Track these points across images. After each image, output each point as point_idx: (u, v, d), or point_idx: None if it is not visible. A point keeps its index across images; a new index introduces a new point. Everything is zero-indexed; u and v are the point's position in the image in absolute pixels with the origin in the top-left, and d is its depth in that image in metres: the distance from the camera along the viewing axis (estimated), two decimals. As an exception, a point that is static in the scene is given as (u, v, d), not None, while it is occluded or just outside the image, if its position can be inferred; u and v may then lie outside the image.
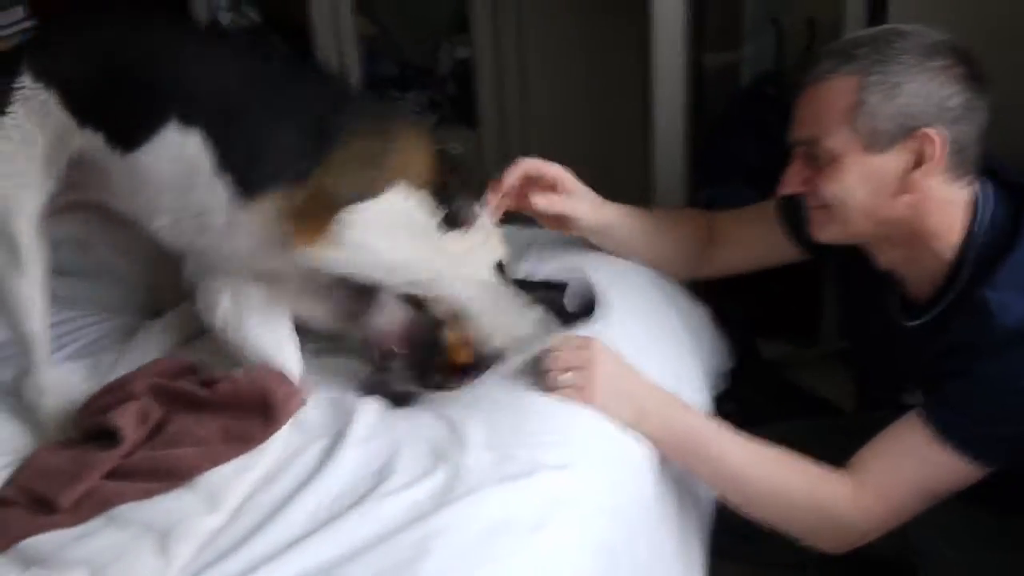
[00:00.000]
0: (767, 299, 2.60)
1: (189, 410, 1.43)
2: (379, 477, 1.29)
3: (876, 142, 1.32)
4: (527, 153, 3.14)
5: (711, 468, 1.43)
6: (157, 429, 1.41)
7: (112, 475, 1.32)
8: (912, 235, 1.38)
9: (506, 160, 3.16)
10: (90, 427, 1.42)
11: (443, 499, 1.23)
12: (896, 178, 1.33)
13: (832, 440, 1.55)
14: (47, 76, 1.50)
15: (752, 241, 1.74)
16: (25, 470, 1.36)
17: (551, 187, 1.69)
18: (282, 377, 1.46)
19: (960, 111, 1.30)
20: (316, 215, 1.42)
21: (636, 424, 1.41)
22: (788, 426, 1.75)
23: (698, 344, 1.76)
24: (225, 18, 3.40)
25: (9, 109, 1.49)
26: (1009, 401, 1.29)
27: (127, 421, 1.37)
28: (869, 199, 1.35)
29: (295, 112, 1.48)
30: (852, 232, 1.41)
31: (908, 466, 1.35)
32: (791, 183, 1.42)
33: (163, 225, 1.52)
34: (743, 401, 1.92)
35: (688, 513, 1.54)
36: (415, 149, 1.54)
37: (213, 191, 1.46)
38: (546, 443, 1.33)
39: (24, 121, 1.49)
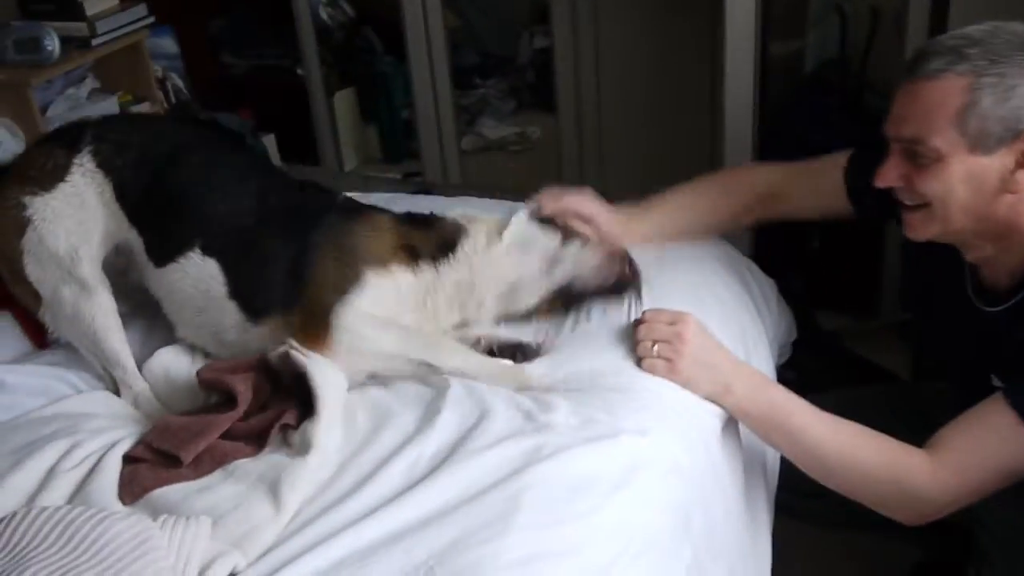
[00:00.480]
0: (828, 273, 2.60)
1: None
2: (472, 437, 1.29)
3: (983, 143, 1.26)
4: (602, 137, 3.24)
5: (792, 441, 1.40)
6: (265, 398, 1.43)
7: (228, 435, 1.35)
8: (1008, 231, 1.33)
9: (583, 144, 3.27)
10: (210, 381, 1.43)
11: (533, 457, 1.23)
12: (999, 178, 1.28)
13: (889, 406, 1.56)
14: (107, 168, 1.56)
15: (814, 201, 1.68)
16: (151, 432, 1.37)
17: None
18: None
19: None
20: (315, 328, 1.46)
21: (721, 397, 1.40)
22: (848, 393, 1.74)
23: (766, 317, 1.75)
24: (324, 13, 3.48)
25: (69, 176, 1.55)
26: None
27: (245, 387, 1.39)
28: (970, 199, 1.29)
29: (290, 240, 1.52)
30: (950, 231, 1.36)
31: (989, 446, 1.30)
32: (889, 177, 1.35)
33: (185, 335, 1.60)
34: (802, 369, 1.91)
35: (756, 477, 1.54)
36: (376, 232, 1.56)
37: (225, 312, 1.53)
38: (627, 410, 1.33)
39: (85, 191, 1.55)
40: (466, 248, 1.54)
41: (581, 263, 1.55)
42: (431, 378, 1.44)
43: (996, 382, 1.37)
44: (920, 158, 1.30)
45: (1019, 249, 1.35)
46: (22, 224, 1.55)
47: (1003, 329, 1.38)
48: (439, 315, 1.54)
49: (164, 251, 1.57)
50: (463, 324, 1.56)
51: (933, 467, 1.32)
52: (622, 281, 1.56)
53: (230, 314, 1.53)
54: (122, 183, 1.56)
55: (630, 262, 1.57)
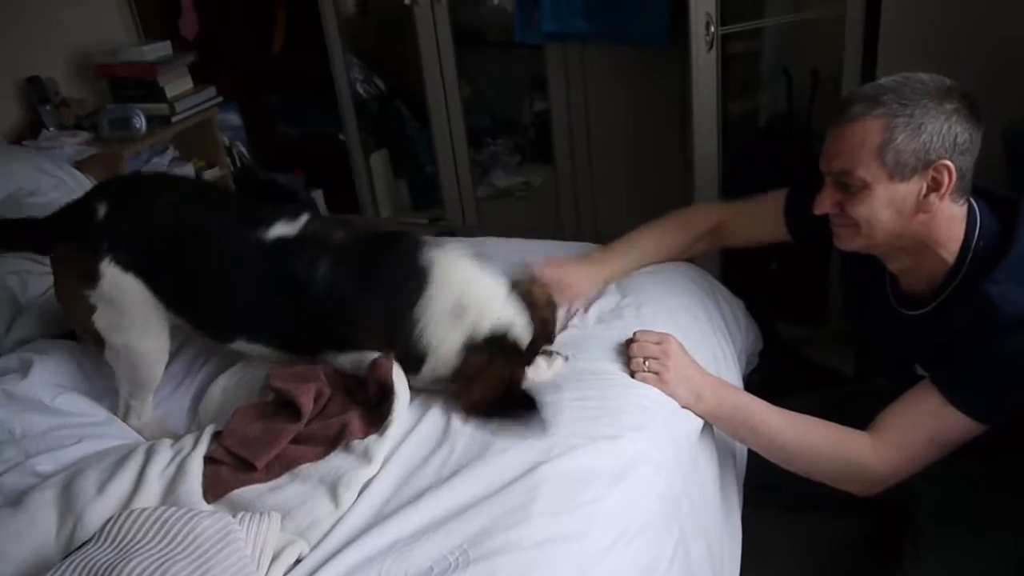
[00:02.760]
0: (785, 289, 2.60)
1: (344, 392, 1.42)
2: (492, 440, 1.28)
3: (900, 172, 1.27)
4: (594, 183, 3.25)
5: (755, 435, 1.42)
6: (325, 405, 1.40)
7: (294, 441, 1.34)
8: (922, 245, 1.35)
9: (576, 189, 3.28)
10: (278, 390, 1.39)
11: (546, 455, 1.23)
12: (915, 201, 1.29)
13: (837, 409, 1.56)
14: (132, 268, 1.41)
15: (756, 231, 1.69)
16: (228, 436, 1.35)
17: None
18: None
19: (967, 144, 1.27)
20: None
21: (694, 404, 1.41)
22: (801, 400, 1.71)
23: (735, 332, 1.74)
24: (360, 88, 3.50)
25: (103, 279, 1.41)
26: (1010, 372, 1.26)
27: (307, 399, 1.37)
28: (892, 219, 1.31)
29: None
30: (873, 244, 1.37)
31: (922, 424, 1.32)
32: (824, 205, 1.37)
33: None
34: (764, 374, 1.90)
35: (728, 466, 1.54)
36: None
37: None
38: (624, 413, 1.33)
39: (124, 284, 1.42)
40: None
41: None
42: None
43: (919, 371, 1.38)
44: (849, 188, 1.32)
45: (932, 261, 1.36)
46: (90, 307, 1.46)
47: (922, 330, 1.39)
48: None
49: (215, 335, 1.49)
50: None
51: (875, 444, 1.34)
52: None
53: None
54: (151, 279, 1.43)
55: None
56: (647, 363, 1.41)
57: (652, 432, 1.32)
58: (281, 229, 1.40)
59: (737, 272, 2.39)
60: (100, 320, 1.47)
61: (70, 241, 1.47)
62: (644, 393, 1.38)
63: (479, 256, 1.43)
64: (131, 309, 1.45)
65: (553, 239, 1.94)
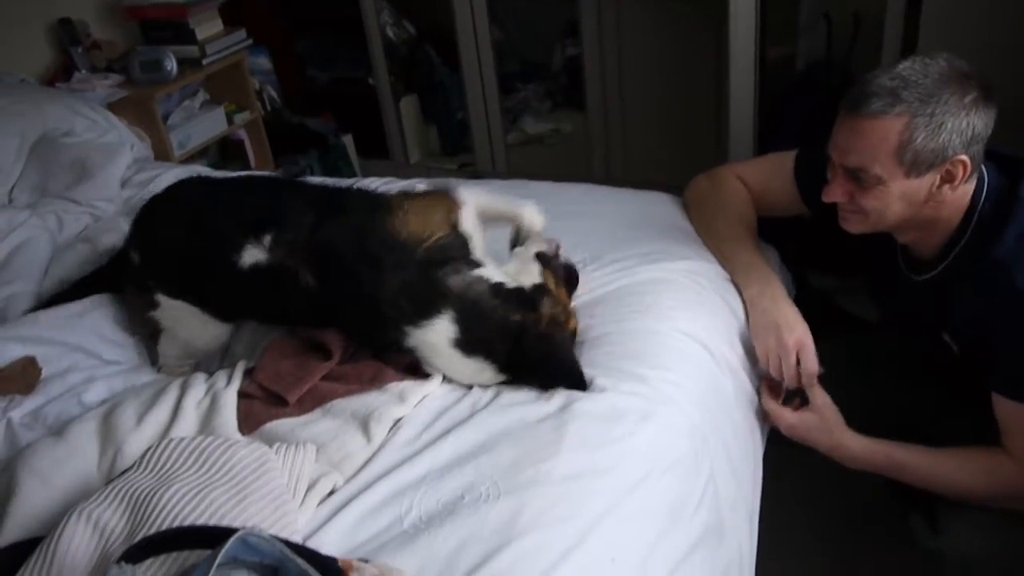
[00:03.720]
0: (817, 240, 2.60)
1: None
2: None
3: (916, 169, 1.25)
4: (625, 130, 3.22)
5: (906, 478, 1.40)
6: (353, 354, 1.42)
7: (326, 378, 1.36)
8: (930, 222, 1.33)
9: (608, 137, 3.25)
10: (305, 336, 1.43)
11: (574, 396, 1.25)
12: (927, 193, 1.28)
13: (865, 354, 1.54)
14: (180, 297, 1.51)
15: (773, 201, 1.66)
16: (261, 371, 1.38)
17: None
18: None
19: (983, 134, 1.24)
20: None
21: (833, 454, 1.41)
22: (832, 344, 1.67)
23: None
24: (390, 32, 3.47)
25: (160, 307, 1.53)
26: None
27: (335, 341, 1.39)
28: (903, 209, 1.30)
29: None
30: (880, 229, 1.36)
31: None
32: (835, 195, 1.34)
33: None
34: None
35: (752, 409, 1.52)
36: None
37: None
38: (653, 358, 1.33)
39: (179, 310, 1.51)
40: None
41: None
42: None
43: (947, 339, 1.37)
44: (862, 181, 1.29)
45: (942, 230, 1.34)
46: (157, 326, 1.57)
47: (935, 294, 1.37)
48: None
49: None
50: None
51: (1017, 465, 1.32)
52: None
53: None
54: (196, 301, 1.51)
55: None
56: (796, 400, 1.42)
57: (681, 373, 1.32)
58: (256, 255, 1.41)
59: (770, 222, 2.36)
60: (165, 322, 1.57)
61: (129, 284, 1.62)
62: (672, 334, 1.38)
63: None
64: (188, 320, 1.54)
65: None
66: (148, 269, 1.55)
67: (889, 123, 1.23)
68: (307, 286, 1.38)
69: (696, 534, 1.16)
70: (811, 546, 1.84)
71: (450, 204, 1.44)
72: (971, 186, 1.31)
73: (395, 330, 1.33)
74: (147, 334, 1.61)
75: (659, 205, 1.80)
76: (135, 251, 1.58)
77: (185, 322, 1.54)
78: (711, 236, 1.66)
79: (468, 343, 1.30)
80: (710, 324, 1.45)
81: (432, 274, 1.33)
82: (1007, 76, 1.36)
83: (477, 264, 1.38)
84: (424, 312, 1.30)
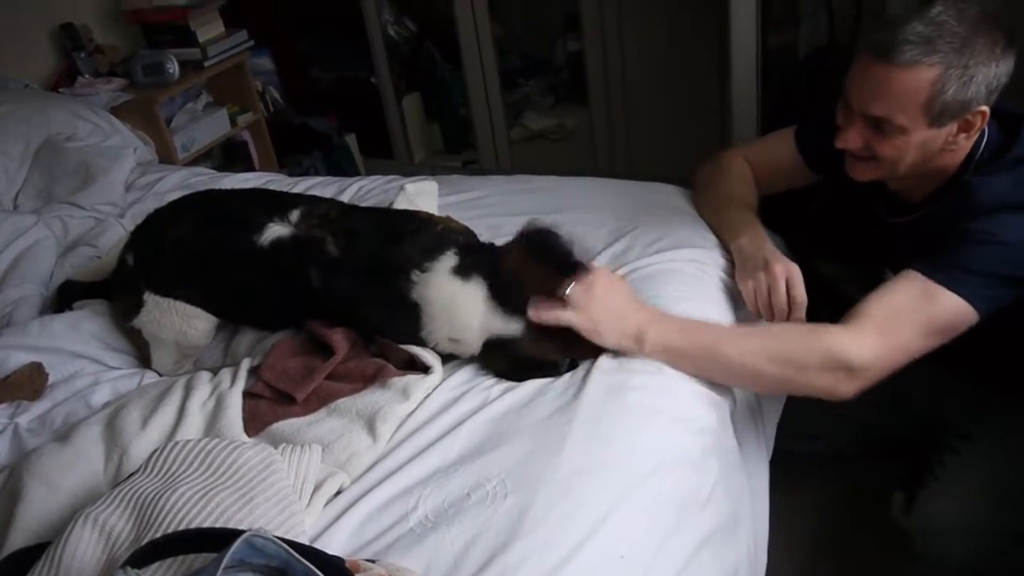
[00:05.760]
0: (823, 228, 2.59)
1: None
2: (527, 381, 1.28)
3: (940, 120, 1.23)
4: (628, 124, 3.20)
5: (719, 367, 1.27)
6: (359, 348, 1.41)
7: (331, 377, 1.35)
8: (935, 171, 1.32)
9: (612, 131, 3.23)
10: (314, 331, 1.42)
11: (584, 390, 1.23)
12: (943, 142, 1.26)
13: None
14: (173, 295, 1.51)
15: (777, 172, 1.63)
16: (268, 371, 1.37)
17: None
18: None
19: (1004, 83, 1.22)
20: None
21: (635, 349, 1.27)
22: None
23: None
24: (391, 30, 3.46)
25: (145, 308, 1.52)
26: (992, 254, 1.21)
27: (340, 339, 1.38)
28: (918, 158, 1.28)
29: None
30: (890, 177, 1.34)
31: (904, 304, 1.23)
32: (852, 141, 1.30)
33: None
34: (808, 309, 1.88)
35: (756, 411, 1.49)
36: None
37: None
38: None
39: (164, 308, 1.51)
40: None
41: None
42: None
43: (888, 274, 1.35)
44: (883, 130, 1.26)
45: (933, 181, 1.33)
46: (140, 337, 1.57)
47: (911, 235, 1.35)
48: None
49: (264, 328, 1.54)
50: None
51: (855, 332, 1.23)
52: None
53: None
54: (195, 299, 1.52)
55: None
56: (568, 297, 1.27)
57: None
58: (278, 231, 1.43)
59: (777, 210, 2.35)
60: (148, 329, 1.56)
61: (116, 290, 1.63)
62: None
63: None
64: (170, 321, 1.53)
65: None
66: (142, 269, 1.55)
67: (922, 73, 1.19)
68: (329, 257, 1.39)
69: (706, 530, 1.14)
70: (814, 550, 1.82)
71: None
72: (975, 138, 1.29)
73: (404, 281, 1.33)
74: (139, 356, 1.60)
75: (663, 195, 1.79)
76: (130, 253, 1.58)
77: (167, 323, 1.52)
78: (710, 210, 1.64)
79: (465, 268, 1.32)
80: (716, 314, 1.43)
81: (445, 235, 1.40)
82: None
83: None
84: (430, 255, 1.34)
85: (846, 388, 1.24)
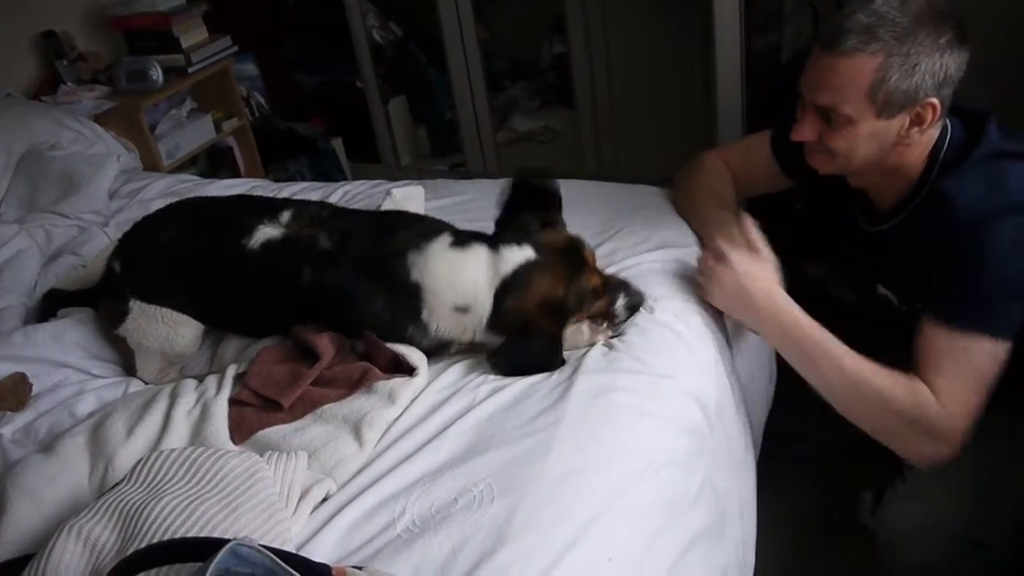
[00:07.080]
0: (809, 228, 2.59)
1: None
2: (513, 382, 1.29)
3: (887, 111, 1.24)
4: (615, 124, 3.21)
5: (822, 375, 1.31)
6: (345, 352, 1.40)
7: (317, 383, 1.34)
8: (894, 168, 1.33)
9: (598, 132, 3.24)
10: (299, 337, 1.41)
11: (570, 392, 1.23)
12: (896, 135, 1.27)
13: (863, 345, 1.53)
14: (156, 302, 1.51)
15: (754, 176, 1.65)
16: (254, 378, 1.36)
17: None
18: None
19: (955, 76, 1.23)
20: None
21: (756, 328, 1.37)
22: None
23: None
24: (376, 34, 3.45)
25: (130, 315, 1.52)
26: (991, 274, 1.21)
27: (325, 344, 1.38)
28: (871, 152, 1.29)
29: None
30: (847, 171, 1.35)
31: (951, 365, 1.23)
32: (805, 133, 1.32)
33: None
34: None
35: (744, 413, 1.50)
36: None
37: None
38: (651, 354, 1.32)
39: (149, 314, 1.51)
40: None
41: None
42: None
43: (881, 290, 1.36)
44: (832, 121, 1.28)
45: (902, 177, 1.33)
46: (124, 345, 1.57)
47: (891, 244, 1.36)
48: None
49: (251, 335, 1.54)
50: None
51: (938, 401, 1.24)
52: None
53: None
54: (181, 304, 1.52)
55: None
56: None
57: (680, 372, 1.31)
58: (269, 232, 1.44)
59: (762, 211, 2.35)
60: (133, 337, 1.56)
61: (103, 298, 1.62)
62: (669, 329, 1.37)
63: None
64: (155, 329, 1.53)
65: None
66: (128, 276, 1.55)
67: (863, 61, 1.22)
68: (322, 250, 1.39)
69: (694, 531, 1.14)
70: (799, 550, 1.82)
71: None
72: (937, 131, 1.30)
73: (402, 264, 1.34)
74: (125, 365, 1.60)
75: (648, 197, 1.80)
76: (117, 261, 1.57)
77: (153, 331, 1.52)
78: (689, 210, 1.67)
79: (463, 240, 1.36)
80: (702, 314, 1.43)
81: (437, 224, 1.45)
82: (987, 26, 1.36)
83: None
84: (426, 238, 1.37)
85: (926, 451, 1.28)
